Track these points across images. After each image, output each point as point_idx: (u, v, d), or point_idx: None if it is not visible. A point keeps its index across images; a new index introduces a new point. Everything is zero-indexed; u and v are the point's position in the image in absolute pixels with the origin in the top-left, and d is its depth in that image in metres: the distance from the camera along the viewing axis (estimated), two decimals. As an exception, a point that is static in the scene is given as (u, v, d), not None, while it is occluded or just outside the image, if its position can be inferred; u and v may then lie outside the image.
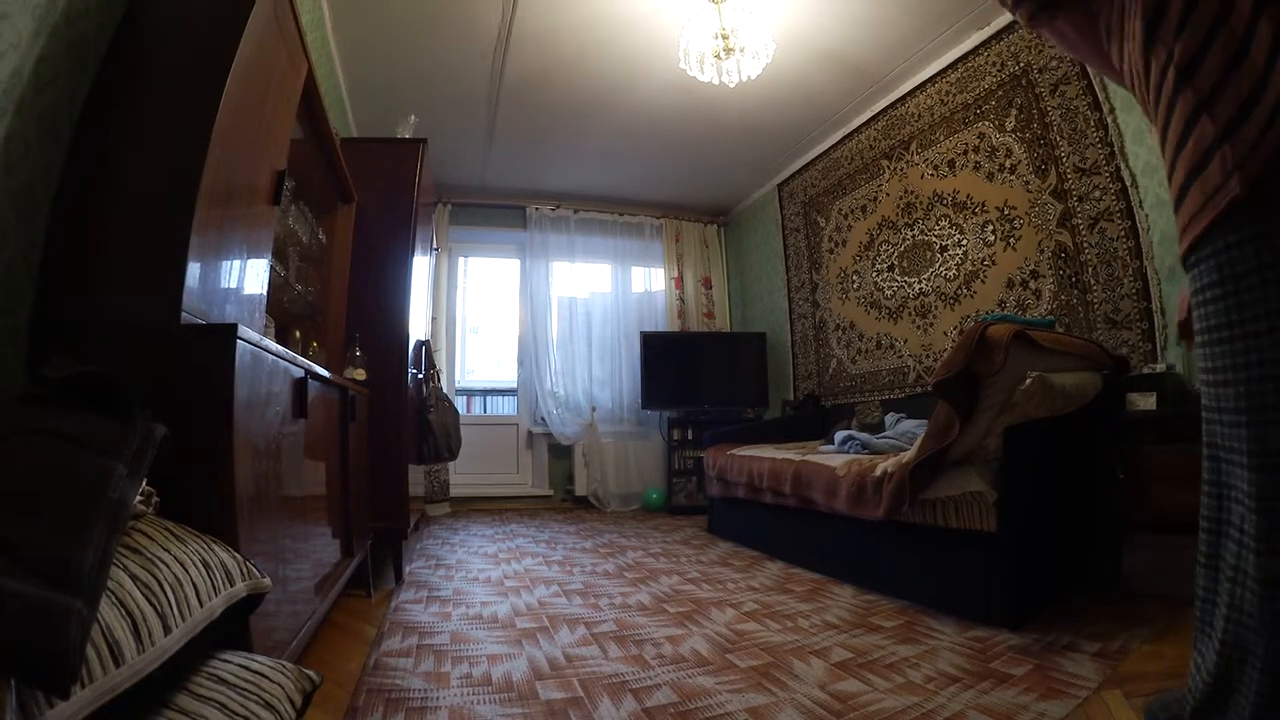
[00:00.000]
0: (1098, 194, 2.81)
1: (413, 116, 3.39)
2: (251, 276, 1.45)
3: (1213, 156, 0.48)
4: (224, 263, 1.30)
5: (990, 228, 3.36)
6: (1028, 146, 3.14)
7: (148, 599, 0.72)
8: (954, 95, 3.59)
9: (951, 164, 3.62)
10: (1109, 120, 2.75)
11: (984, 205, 3.40)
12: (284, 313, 2.27)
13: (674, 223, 5.96)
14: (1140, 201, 2.65)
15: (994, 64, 3.33)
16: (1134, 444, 2.30)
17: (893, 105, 4.04)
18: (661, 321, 5.79)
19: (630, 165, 5.10)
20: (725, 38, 3.03)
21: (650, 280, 5.94)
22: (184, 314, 1.10)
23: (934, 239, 3.75)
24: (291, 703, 0.92)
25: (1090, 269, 2.83)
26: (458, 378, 5.53)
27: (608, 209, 5.79)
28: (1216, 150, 0.48)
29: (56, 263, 1.11)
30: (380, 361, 2.68)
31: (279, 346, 1.34)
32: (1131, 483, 2.26)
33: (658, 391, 5.27)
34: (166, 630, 0.73)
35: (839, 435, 3.09)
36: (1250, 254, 0.46)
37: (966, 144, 3.51)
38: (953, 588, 2.10)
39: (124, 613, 0.67)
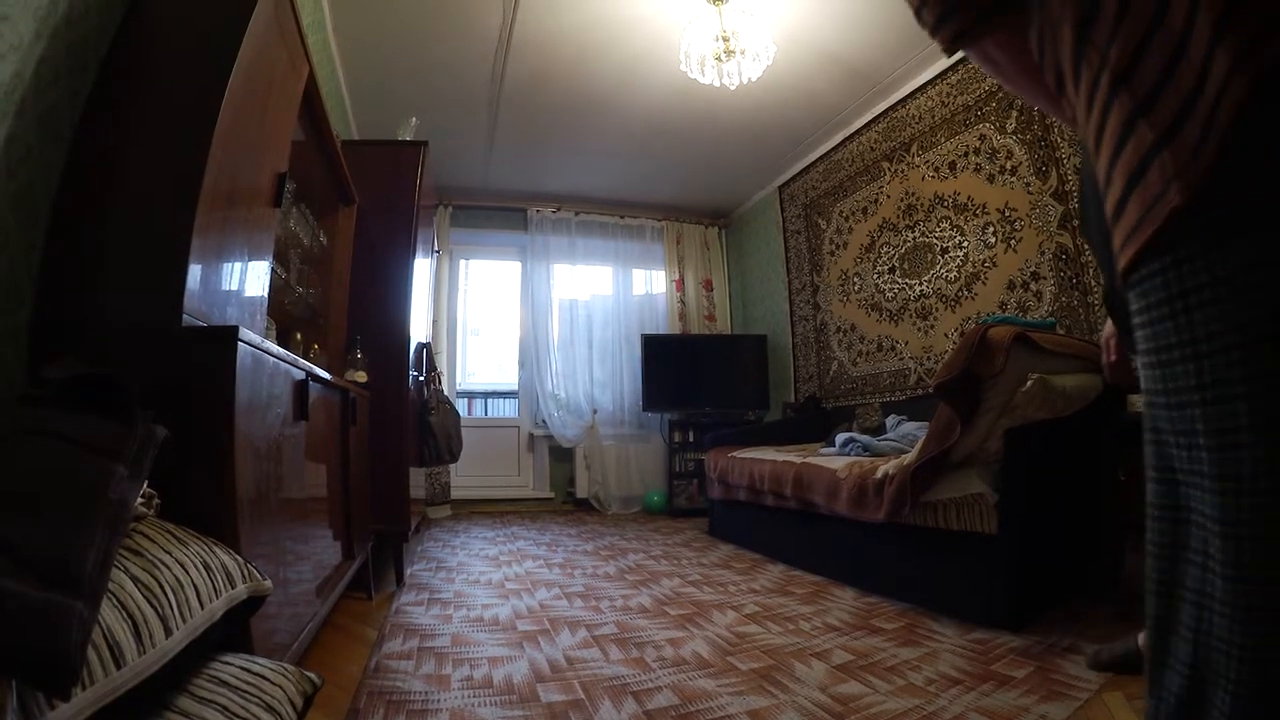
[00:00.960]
0: (1098, 196, 2.80)
1: (414, 119, 3.40)
2: (253, 278, 1.46)
3: (1151, 164, 0.45)
4: (225, 265, 1.30)
5: (991, 229, 3.36)
6: (1028, 148, 3.14)
7: (149, 601, 0.72)
8: (955, 97, 3.60)
9: (952, 166, 3.62)
10: (1109, 122, 2.75)
11: (985, 207, 3.40)
12: (285, 315, 2.27)
13: (675, 225, 5.96)
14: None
15: (994, 66, 3.33)
16: (1135, 445, 2.29)
17: (893, 107, 4.05)
18: (662, 324, 5.79)
19: (631, 167, 5.11)
20: (726, 40, 3.03)
21: (651, 282, 5.95)
22: (185, 316, 1.10)
23: (935, 241, 3.75)
24: (293, 705, 0.92)
25: (1091, 270, 2.83)
26: (459, 380, 5.53)
27: (609, 211, 5.79)
28: (1155, 157, 0.45)
29: (57, 264, 1.11)
30: (381, 364, 2.68)
31: (280, 349, 1.34)
32: (1132, 484, 2.26)
33: (659, 394, 5.27)
34: (168, 632, 0.72)
35: (840, 437, 3.09)
36: (1201, 268, 0.43)
37: (967, 146, 3.51)
38: (954, 590, 2.10)
39: (125, 614, 0.67)
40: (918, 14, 0.66)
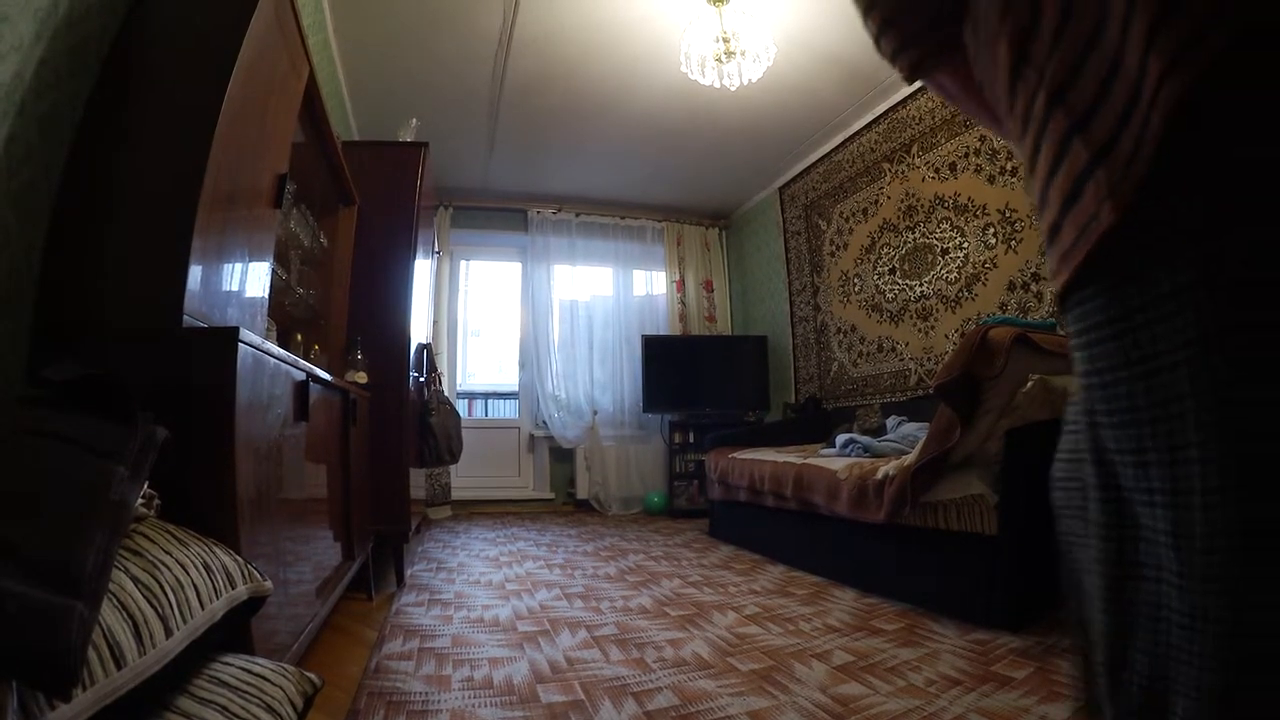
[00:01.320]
0: (1099, 196, 2.80)
1: (414, 119, 3.40)
2: (253, 279, 1.46)
3: (1086, 184, 0.44)
4: (226, 266, 1.30)
5: (991, 230, 3.36)
6: (1029, 149, 3.13)
7: (149, 601, 0.72)
8: (955, 98, 3.59)
9: (953, 167, 3.62)
10: (1110, 123, 2.75)
11: (985, 208, 3.40)
12: (285, 316, 2.27)
13: (675, 226, 5.96)
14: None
15: (995, 67, 3.33)
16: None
17: (894, 108, 4.05)
18: (663, 324, 5.79)
19: (632, 168, 5.11)
20: (726, 41, 3.04)
21: (651, 283, 5.95)
22: (186, 317, 1.10)
23: (935, 242, 3.74)
24: (293, 705, 0.92)
25: (1091, 271, 2.83)
26: (459, 381, 5.53)
27: (609, 212, 5.79)
28: (1090, 176, 0.44)
29: (58, 265, 1.11)
30: (381, 364, 2.68)
31: (280, 350, 1.34)
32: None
33: (659, 395, 5.27)
34: (168, 633, 0.72)
35: (840, 438, 3.09)
36: (1142, 288, 0.43)
37: (968, 146, 3.51)
38: (954, 591, 2.10)
39: (125, 615, 0.67)
40: (876, 44, 0.66)
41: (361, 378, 2.50)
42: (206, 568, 0.87)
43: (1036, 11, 0.47)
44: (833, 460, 2.81)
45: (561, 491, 5.44)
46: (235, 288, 1.35)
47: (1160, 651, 0.46)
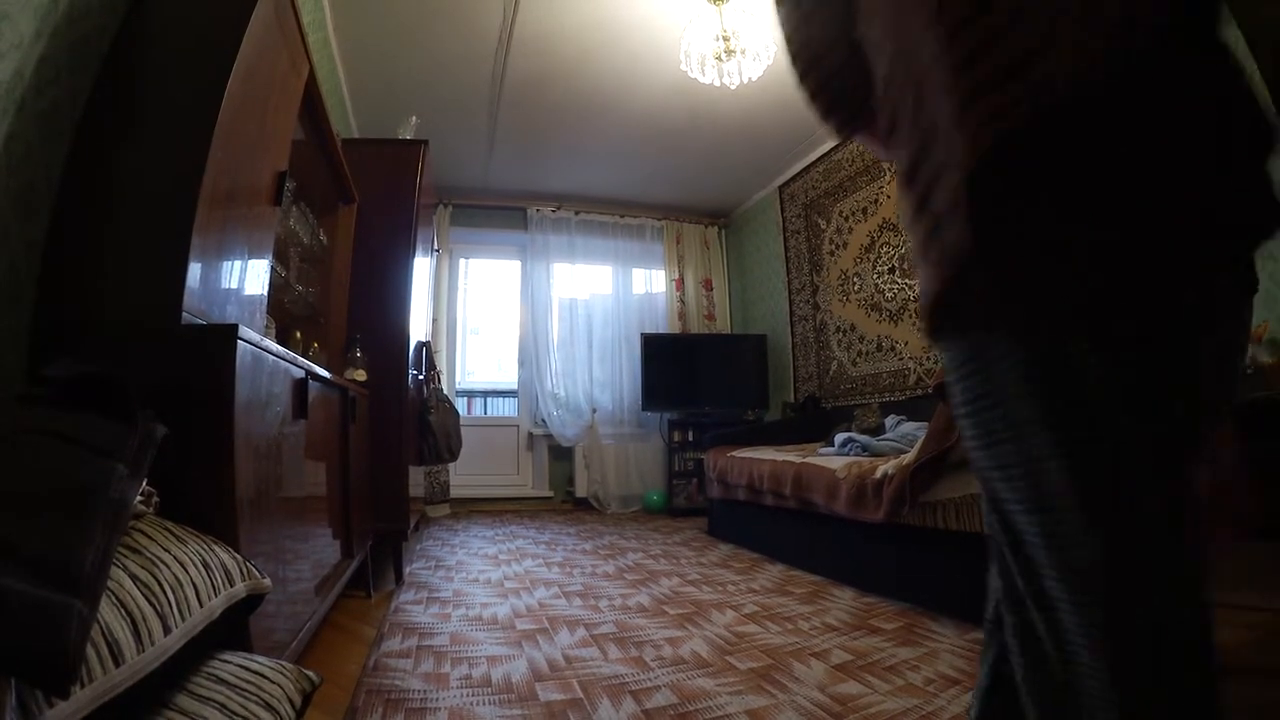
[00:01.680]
0: (1098, 196, 2.80)
1: (414, 118, 3.40)
2: (252, 277, 1.46)
3: (929, 254, 0.53)
4: (225, 263, 1.30)
5: (991, 230, 3.35)
6: (1028, 149, 3.13)
7: (148, 599, 0.72)
8: (955, 98, 3.59)
9: (952, 166, 3.61)
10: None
11: (985, 207, 3.39)
12: (285, 313, 2.27)
13: (675, 224, 5.96)
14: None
15: (995, 66, 3.32)
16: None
17: (893, 107, 4.04)
18: (662, 323, 5.79)
19: (631, 167, 5.11)
20: (726, 40, 3.03)
21: (651, 282, 5.94)
22: (185, 314, 1.10)
23: (935, 241, 3.74)
24: (291, 703, 0.92)
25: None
26: (458, 379, 5.53)
27: (609, 211, 5.79)
28: (931, 248, 0.52)
29: (58, 263, 1.11)
30: (381, 362, 2.68)
31: (279, 347, 1.34)
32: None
33: (658, 393, 5.27)
34: (166, 630, 0.73)
35: (839, 437, 3.09)
36: (984, 334, 0.52)
37: (967, 146, 3.51)
38: (953, 590, 2.10)
39: (124, 613, 0.67)
40: (809, 105, 0.79)
41: (360, 375, 2.50)
42: (205, 565, 0.87)
43: (895, 114, 0.59)
44: (832, 459, 2.81)
45: (560, 490, 5.45)
46: (234, 285, 1.35)
47: (1061, 640, 0.52)
